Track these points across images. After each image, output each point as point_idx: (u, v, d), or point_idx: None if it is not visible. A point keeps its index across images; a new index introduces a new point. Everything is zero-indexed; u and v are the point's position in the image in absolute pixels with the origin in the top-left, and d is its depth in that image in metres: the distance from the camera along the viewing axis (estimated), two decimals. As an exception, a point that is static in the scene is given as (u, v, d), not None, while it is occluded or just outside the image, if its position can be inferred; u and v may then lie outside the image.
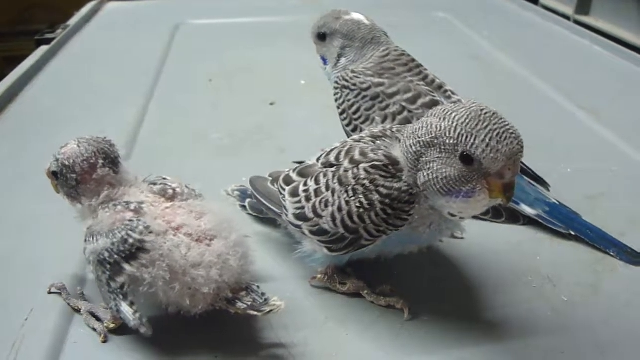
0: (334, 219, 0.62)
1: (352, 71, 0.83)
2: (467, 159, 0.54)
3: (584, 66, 1.40)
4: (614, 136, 1.05)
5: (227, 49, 1.53)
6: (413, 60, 0.85)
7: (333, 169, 0.64)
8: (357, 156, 0.62)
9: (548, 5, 1.81)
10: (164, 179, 0.66)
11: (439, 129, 0.56)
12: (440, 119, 0.56)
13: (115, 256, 0.57)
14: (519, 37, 1.62)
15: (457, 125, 0.54)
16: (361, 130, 0.81)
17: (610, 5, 1.59)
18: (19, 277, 0.71)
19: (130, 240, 0.57)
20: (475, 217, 0.67)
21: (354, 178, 0.61)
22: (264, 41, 1.58)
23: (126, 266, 0.57)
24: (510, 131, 0.54)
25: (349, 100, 0.82)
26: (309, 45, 0.91)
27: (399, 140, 0.61)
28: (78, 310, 0.65)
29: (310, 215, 0.64)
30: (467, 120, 0.54)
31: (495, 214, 0.81)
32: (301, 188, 0.66)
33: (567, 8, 1.72)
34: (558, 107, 1.19)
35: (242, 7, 1.87)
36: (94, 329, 0.62)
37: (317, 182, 0.64)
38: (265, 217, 0.79)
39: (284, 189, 0.68)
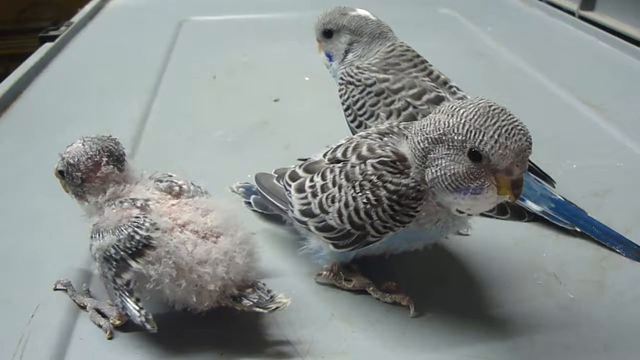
0: (340, 215, 0.62)
1: (357, 67, 0.83)
2: (475, 156, 0.54)
3: (589, 62, 1.40)
4: (620, 132, 1.05)
5: (231, 45, 1.53)
6: (418, 56, 0.84)
7: (340, 165, 0.63)
8: (364, 152, 0.62)
9: (553, 1, 1.80)
10: (170, 176, 0.66)
11: (447, 125, 0.55)
12: (448, 115, 0.56)
13: (122, 253, 0.57)
14: (524, 33, 1.61)
15: (465, 121, 0.54)
16: (366, 126, 0.81)
17: (615, 0, 1.59)
18: (24, 273, 0.71)
19: (137, 237, 0.57)
20: (480, 214, 0.66)
21: (361, 174, 0.61)
22: (268, 37, 1.58)
23: (132, 263, 0.57)
24: (519, 127, 0.53)
25: (353, 96, 0.82)
26: (312, 41, 0.91)
27: (407, 137, 0.61)
28: (84, 307, 0.65)
29: (317, 211, 0.64)
30: (476, 117, 0.54)
31: (501, 211, 0.81)
32: (307, 184, 0.66)
33: (571, 3, 1.71)
34: (563, 103, 1.19)
35: (245, 3, 1.87)
36: (100, 326, 0.62)
37: (323, 178, 0.64)
38: (271, 214, 0.79)
39: (290, 185, 0.68)
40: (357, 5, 0.88)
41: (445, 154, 0.56)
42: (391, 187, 0.59)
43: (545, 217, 0.80)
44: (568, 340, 0.62)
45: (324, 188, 0.64)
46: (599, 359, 0.60)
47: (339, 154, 0.65)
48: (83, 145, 0.63)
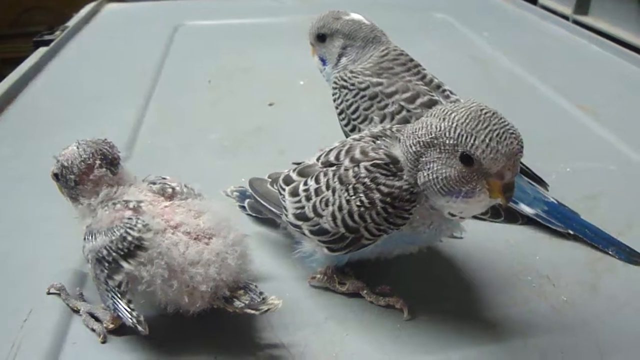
0: (334, 218, 0.62)
1: (351, 71, 0.83)
2: (467, 160, 0.54)
3: (583, 66, 1.41)
4: (613, 136, 1.06)
5: (226, 49, 1.53)
6: (412, 60, 0.85)
7: (333, 168, 0.63)
8: (357, 155, 0.62)
9: (547, 5, 1.82)
10: (163, 178, 0.66)
11: (438, 129, 0.56)
12: (440, 119, 0.56)
13: (114, 254, 0.57)
14: (518, 37, 1.62)
15: (456, 125, 0.54)
16: (360, 130, 0.81)
17: (608, 5, 1.60)
18: (18, 277, 0.71)
19: (129, 238, 0.57)
20: (474, 217, 0.67)
21: (355, 177, 0.61)
22: (263, 42, 1.58)
23: (124, 264, 0.57)
24: (510, 131, 0.54)
25: (347, 100, 0.83)
26: (307, 45, 0.91)
27: (399, 140, 0.61)
28: (77, 311, 0.65)
29: (311, 214, 0.64)
30: (467, 121, 0.54)
31: (494, 214, 0.81)
32: (301, 187, 0.66)
33: (565, 8, 1.73)
34: (557, 107, 1.19)
35: (240, 8, 1.88)
36: (93, 330, 0.62)
37: (317, 181, 0.64)
38: (265, 218, 0.79)
39: (284, 189, 0.68)
40: (352, 9, 0.88)
41: (437, 157, 0.56)
42: (384, 189, 0.59)
43: (539, 219, 0.80)
44: (561, 343, 0.62)
45: (317, 191, 0.64)
46: (592, 361, 0.60)
47: (332, 157, 0.65)
48: (77, 148, 0.64)
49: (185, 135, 1.08)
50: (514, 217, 0.81)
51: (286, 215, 0.68)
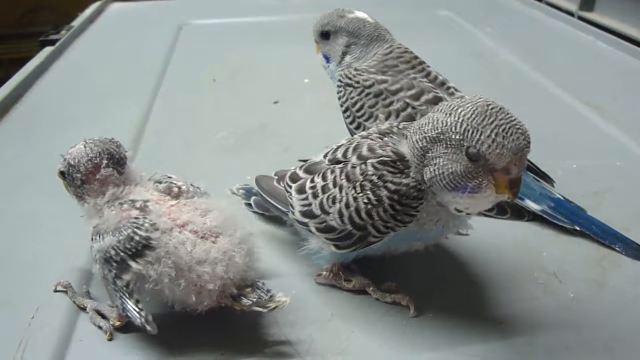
0: (341, 215, 0.62)
1: (355, 69, 0.83)
2: (473, 155, 0.54)
3: (588, 62, 1.40)
4: (619, 132, 1.05)
5: (231, 48, 1.54)
6: (416, 57, 0.85)
7: (340, 166, 0.63)
8: (364, 152, 0.62)
9: (552, 2, 1.81)
10: (169, 177, 0.66)
11: (445, 124, 0.55)
12: (446, 114, 0.56)
13: (122, 254, 0.57)
14: (523, 33, 1.61)
15: (463, 120, 0.54)
16: (365, 128, 0.81)
17: (614, 1, 1.59)
18: (25, 275, 0.71)
19: (136, 238, 0.57)
20: (480, 214, 0.67)
21: (362, 174, 0.61)
22: (267, 40, 1.59)
23: (132, 264, 0.57)
24: (517, 126, 0.53)
25: (352, 98, 0.82)
26: (312, 43, 0.91)
27: (406, 137, 0.61)
28: (84, 309, 0.65)
29: (318, 212, 0.64)
30: (473, 116, 0.54)
31: (500, 211, 0.81)
32: (308, 185, 0.66)
33: (571, 4, 1.72)
34: (562, 104, 1.19)
35: (244, 6, 1.88)
36: (100, 327, 0.63)
37: (324, 178, 0.64)
38: (271, 215, 0.79)
39: (291, 186, 0.68)
40: (356, 7, 0.88)
41: (443, 152, 0.56)
42: (392, 186, 0.59)
43: (545, 216, 0.80)
44: (568, 340, 0.62)
45: (324, 189, 0.64)
46: (599, 359, 0.60)
47: (339, 155, 0.65)
48: (85, 147, 0.64)
49: (190, 133, 1.08)
50: (520, 213, 0.81)
51: (293, 213, 0.68)
